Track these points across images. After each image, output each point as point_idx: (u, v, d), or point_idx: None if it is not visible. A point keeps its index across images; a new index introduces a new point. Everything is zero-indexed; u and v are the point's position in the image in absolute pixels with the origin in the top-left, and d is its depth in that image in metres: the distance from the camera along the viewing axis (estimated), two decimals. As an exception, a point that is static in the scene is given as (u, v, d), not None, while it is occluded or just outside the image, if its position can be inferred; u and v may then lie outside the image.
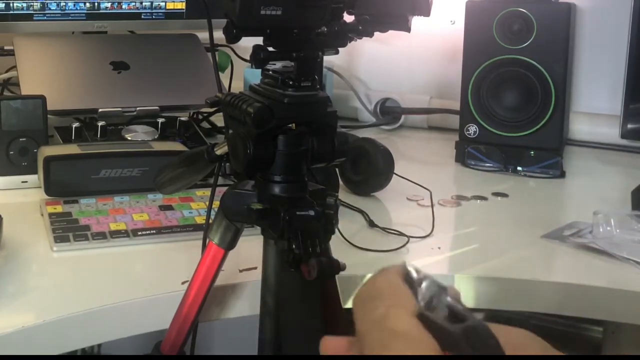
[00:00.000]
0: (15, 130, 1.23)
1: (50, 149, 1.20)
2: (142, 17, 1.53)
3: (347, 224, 1.11)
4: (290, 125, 0.77)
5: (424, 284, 0.40)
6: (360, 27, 0.80)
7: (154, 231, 1.06)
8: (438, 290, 0.39)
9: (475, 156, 1.50)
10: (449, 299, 0.39)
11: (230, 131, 0.80)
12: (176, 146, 1.26)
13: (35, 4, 1.43)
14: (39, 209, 1.12)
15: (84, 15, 1.47)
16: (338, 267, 0.73)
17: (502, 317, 1.44)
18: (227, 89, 1.54)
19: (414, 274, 0.40)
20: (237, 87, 1.44)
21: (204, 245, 0.86)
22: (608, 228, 1.08)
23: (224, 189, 0.81)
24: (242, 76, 1.60)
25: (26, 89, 1.36)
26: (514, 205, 1.30)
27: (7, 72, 1.56)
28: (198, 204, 1.14)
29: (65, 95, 1.39)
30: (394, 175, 1.28)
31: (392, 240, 1.09)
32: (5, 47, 1.49)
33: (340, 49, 0.80)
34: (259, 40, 0.76)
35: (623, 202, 1.28)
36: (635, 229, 1.10)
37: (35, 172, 1.19)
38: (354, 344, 0.40)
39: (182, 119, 1.42)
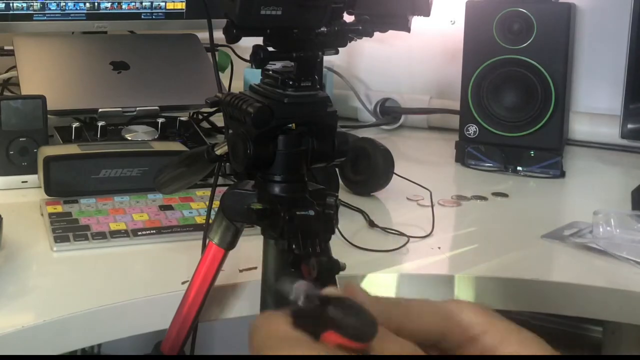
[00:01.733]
0: (15, 130, 1.23)
1: (50, 149, 1.20)
2: (142, 17, 1.53)
3: (347, 224, 1.11)
4: (290, 125, 0.77)
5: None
6: (360, 27, 0.79)
7: (154, 231, 1.06)
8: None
9: (475, 156, 1.50)
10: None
11: (230, 131, 0.80)
12: (176, 146, 1.26)
13: (35, 4, 1.43)
14: (39, 209, 1.12)
15: (84, 15, 1.47)
16: (338, 267, 0.73)
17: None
18: (227, 89, 1.54)
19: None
20: (237, 87, 1.44)
21: (204, 245, 0.86)
22: (608, 228, 1.08)
23: (224, 189, 0.81)
24: (242, 76, 1.60)
25: (26, 89, 1.36)
26: (514, 205, 1.30)
27: (7, 72, 1.56)
28: (198, 204, 1.14)
29: (65, 95, 1.39)
30: (394, 175, 1.28)
31: (392, 240, 1.09)
32: (5, 47, 1.50)
33: (340, 49, 0.80)
34: (259, 40, 0.76)
35: (623, 202, 1.28)
36: (635, 229, 1.10)
37: (35, 172, 1.19)
38: None
39: (182, 119, 1.42)
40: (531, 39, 1.46)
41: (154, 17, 1.53)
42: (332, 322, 0.39)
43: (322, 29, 0.76)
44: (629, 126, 1.44)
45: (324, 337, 0.39)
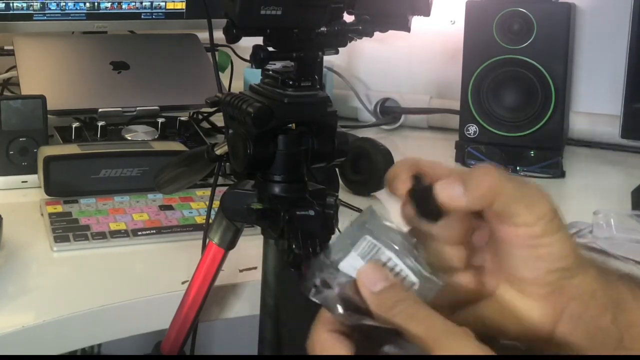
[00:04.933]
0: (15, 130, 1.23)
1: (50, 149, 1.20)
2: (142, 17, 1.53)
3: (347, 224, 1.11)
4: (290, 125, 0.77)
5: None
6: (360, 27, 0.79)
7: (154, 231, 1.06)
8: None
9: (475, 156, 1.50)
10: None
11: (230, 131, 0.80)
12: (176, 146, 1.26)
13: (35, 4, 1.43)
14: (39, 209, 1.12)
15: (84, 15, 1.47)
16: (338, 267, 0.73)
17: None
18: (227, 89, 1.54)
19: None
20: (237, 87, 1.44)
21: (204, 245, 0.86)
22: (608, 228, 1.08)
23: (224, 189, 0.81)
24: (242, 76, 1.60)
25: (26, 89, 1.36)
26: (514, 205, 1.30)
27: (7, 72, 1.56)
28: (198, 204, 1.14)
29: (65, 95, 1.39)
30: (394, 175, 1.27)
31: (392, 240, 1.09)
32: (5, 47, 1.49)
33: (340, 49, 0.80)
34: (259, 40, 0.76)
35: (623, 202, 1.28)
36: (635, 229, 1.10)
37: (35, 172, 1.19)
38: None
39: (182, 119, 1.42)
40: (531, 39, 1.46)
41: (154, 17, 1.53)
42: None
43: (322, 29, 0.76)
44: (629, 126, 1.43)
45: None
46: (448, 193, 0.48)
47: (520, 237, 0.49)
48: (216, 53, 1.38)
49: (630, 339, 0.51)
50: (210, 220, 0.85)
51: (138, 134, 1.36)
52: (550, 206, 0.49)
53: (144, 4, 1.52)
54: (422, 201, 0.48)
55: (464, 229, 0.51)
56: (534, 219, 0.49)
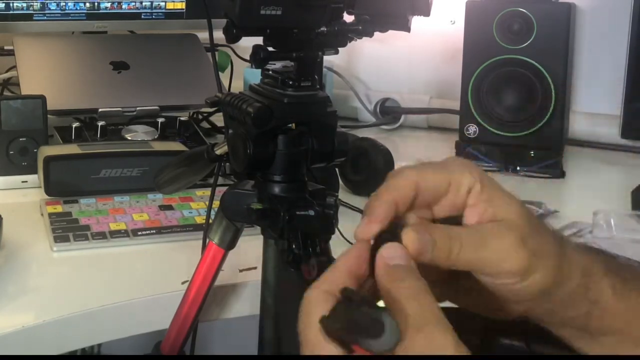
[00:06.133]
0: (15, 130, 1.23)
1: (50, 149, 1.20)
2: (142, 17, 1.53)
3: (347, 224, 1.10)
4: (290, 125, 0.77)
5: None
6: (360, 27, 0.79)
7: (154, 231, 1.06)
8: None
9: (475, 156, 1.50)
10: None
11: (230, 131, 0.80)
12: (176, 146, 1.26)
13: (35, 4, 1.43)
14: (39, 209, 1.12)
15: (84, 15, 1.47)
16: (338, 267, 0.73)
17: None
18: (227, 89, 1.54)
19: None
20: (237, 87, 1.45)
21: (204, 245, 0.86)
22: (608, 228, 1.08)
23: (224, 189, 0.81)
24: (242, 76, 1.60)
25: (26, 89, 1.36)
26: (514, 205, 1.30)
27: (7, 72, 1.56)
28: (198, 204, 1.14)
29: (65, 95, 1.39)
30: (394, 175, 1.27)
31: (392, 240, 1.09)
32: (5, 47, 1.49)
33: (340, 49, 0.80)
34: (259, 40, 0.76)
35: (623, 202, 1.28)
36: (635, 229, 1.10)
37: (35, 172, 1.19)
38: None
39: (182, 119, 1.42)
40: (531, 39, 1.46)
41: (154, 17, 1.53)
42: (359, 334, 0.42)
43: (322, 29, 0.76)
44: (629, 126, 1.43)
45: (355, 349, 0.43)
46: (415, 247, 0.50)
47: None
48: (216, 53, 1.38)
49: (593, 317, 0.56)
50: (210, 220, 0.85)
51: (138, 134, 1.36)
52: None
53: (144, 4, 1.52)
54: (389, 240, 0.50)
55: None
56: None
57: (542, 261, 0.53)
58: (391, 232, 0.51)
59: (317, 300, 0.47)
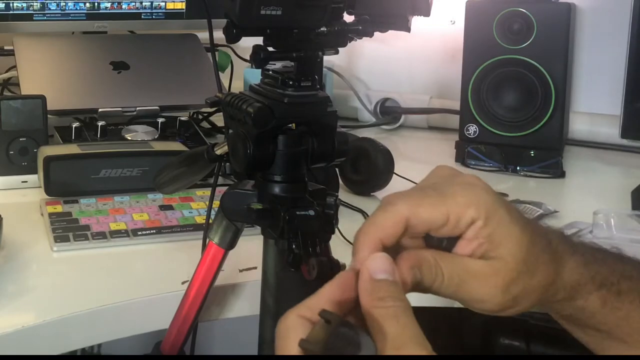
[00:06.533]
0: (15, 130, 1.23)
1: (50, 148, 1.20)
2: (142, 17, 1.53)
3: (347, 224, 1.10)
4: (290, 125, 0.77)
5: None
6: (360, 27, 0.80)
7: (154, 231, 1.06)
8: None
9: (475, 156, 1.50)
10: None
11: (230, 131, 0.80)
12: (176, 146, 1.26)
13: (35, 4, 1.43)
14: (39, 209, 1.12)
15: (84, 15, 1.47)
16: (338, 267, 0.73)
17: (502, 316, 1.44)
18: (227, 89, 1.54)
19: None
20: (237, 87, 1.44)
21: (204, 245, 0.86)
22: (608, 228, 1.08)
23: (224, 189, 0.81)
24: (242, 76, 1.60)
25: (26, 89, 1.36)
26: (514, 205, 1.30)
27: (7, 72, 1.56)
28: (198, 204, 1.14)
29: (65, 95, 1.39)
30: (394, 175, 1.28)
31: (392, 240, 1.09)
32: (5, 47, 1.49)
33: (340, 49, 0.80)
34: (259, 40, 0.76)
35: (623, 202, 1.28)
36: (635, 229, 1.10)
37: (35, 172, 1.19)
38: None
39: (182, 119, 1.42)
40: (531, 39, 1.46)
41: (154, 17, 1.53)
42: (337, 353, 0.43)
43: (322, 29, 0.76)
44: (629, 126, 1.43)
45: None
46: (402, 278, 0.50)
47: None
48: (216, 53, 1.38)
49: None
50: (210, 220, 0.85)
51: (138, 134, 1.36)
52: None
53: (144, 4, 1.52)
54: None
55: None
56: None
57: (524, 301, 0.54)
58: None
59: (294, 325, 0.47)
